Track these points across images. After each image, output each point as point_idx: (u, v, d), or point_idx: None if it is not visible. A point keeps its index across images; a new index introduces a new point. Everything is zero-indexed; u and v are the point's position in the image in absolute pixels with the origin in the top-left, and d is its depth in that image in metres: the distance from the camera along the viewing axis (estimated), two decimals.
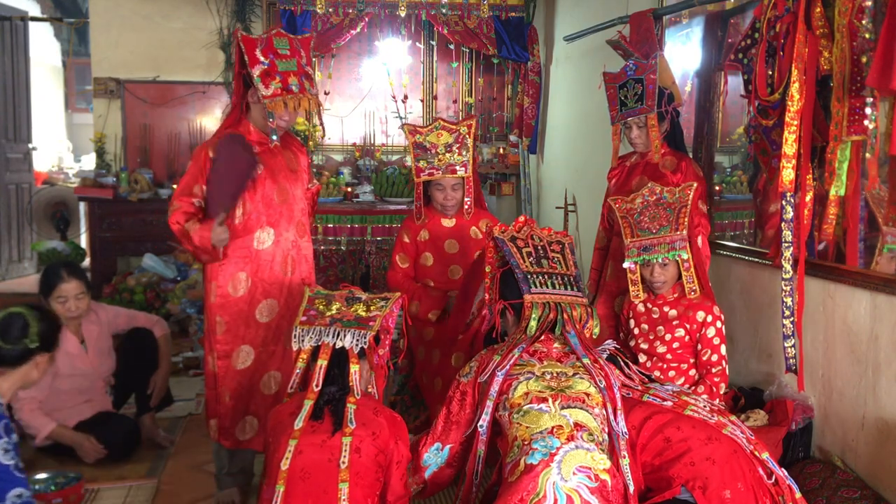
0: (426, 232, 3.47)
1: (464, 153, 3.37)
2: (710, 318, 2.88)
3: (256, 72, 2.85)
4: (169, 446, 3.70)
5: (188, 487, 3.27)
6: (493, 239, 2.59)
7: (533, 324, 2.42)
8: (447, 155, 3.36)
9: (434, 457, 2.42)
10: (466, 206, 3.44)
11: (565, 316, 2.44)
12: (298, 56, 2.95)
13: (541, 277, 2.49)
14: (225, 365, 2.95)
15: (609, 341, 2.66)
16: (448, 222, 3.48)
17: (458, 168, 3.36)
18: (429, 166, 3.37)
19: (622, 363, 2.55)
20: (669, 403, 2.42)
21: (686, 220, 2.89)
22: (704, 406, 2.45)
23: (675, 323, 2.92)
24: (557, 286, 2.49)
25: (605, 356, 2.51)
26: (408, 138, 3.45)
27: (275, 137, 2.93)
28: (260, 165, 2.93)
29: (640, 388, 2.50)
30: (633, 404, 2.42)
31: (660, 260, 2.90)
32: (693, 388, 2.89)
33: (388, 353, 2.57)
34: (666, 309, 2.95)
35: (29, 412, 3.35)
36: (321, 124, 3.25)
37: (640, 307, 3.04)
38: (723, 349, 2.89)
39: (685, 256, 2.87)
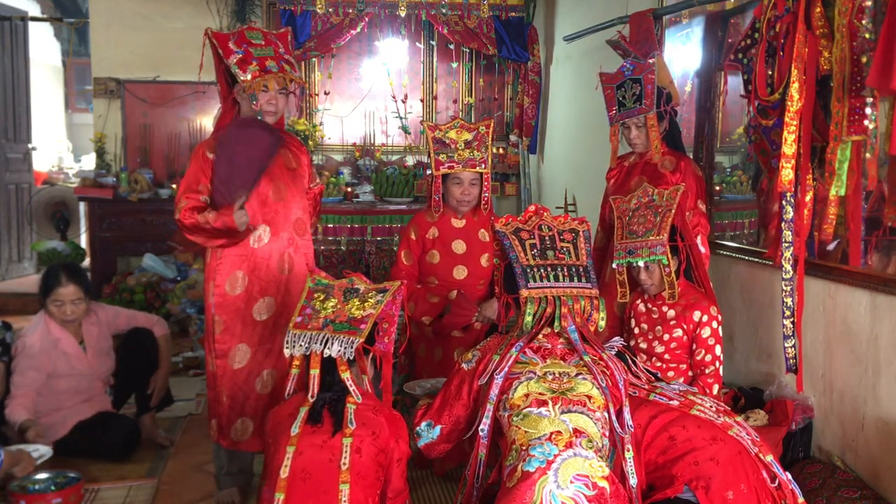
0: (436, 230, 3.49)
1: (483, 150, 3.42)
2: (705, 318, 2.87)
3: (233, 60, 2.85)
4: (169, 446, 3.70)
5: (188, 487, 3.27)
6: (496, 233, 2.57)
7: (528, 319, 2.40)
8: (466, 151, 3.40)
9: (426, 431, 2.43)
10: (483, 202, 3.47)
11: (564, 310, 2.40)
12: (275, 45, 2.95)
13: (542, 270, 2.44)
14: (223, 364, 2.96)
15: (616, 338, 2.64)
16: (458, 222, 3.49)
17: (477, 164, 3.40)
18: (448, 160, 3.41)
19: (630, 360, 2.53)
20: (676, 403, 2.41)
21: (668, 224, 2.87)
22: (711, 406, 2.44)
23: (672, 323, 2.92)
24: (562, 278, 2.44)
25: (612, 353, 2.49)
26: (427, 134, 3.48)
27: (259, 118, 2.91)
28: (281, 141, 2.90)
29: (646, 386, 2.48)
30: (639, 403, 2.41)
31: (641, 263, 2.90)
32: None
33: (392, 342, 2.55)
34: (665, 309, 2.95)
35: (15, 407, 3.32)
36: (305, 98, 3.25)
37: (641, 307, 3.04)
38: (717, 350, 2.88)
39: (665, 262, 2.86)
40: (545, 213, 2.57)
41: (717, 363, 2.88)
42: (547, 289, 2.42)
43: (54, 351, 3.48)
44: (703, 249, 3.22)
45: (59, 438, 3.41)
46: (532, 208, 2.60)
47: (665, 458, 2.32)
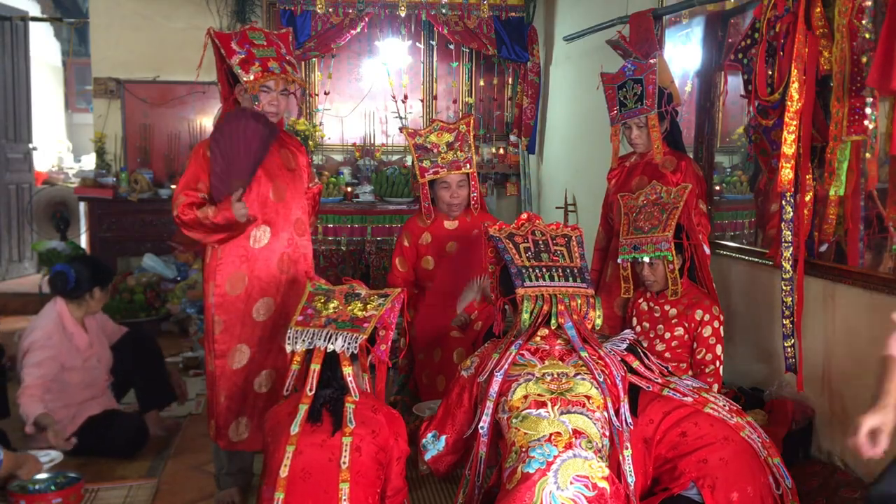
0: (428, 234, 3.48)
1: (466, 150, 3.39)
2: (707, 318, 2.88)
3: (235, 61, 2.86)
4: (170, 435, 3.79)
5: (188, 487, 3.27)
6: (490, 238, 2.59)
7: (525, 316, 2.40)
8: (450, 153, 3.37)
9: (431, 444, 2.43)
10: (473, 202, 3.45)
11: (560, 307, 2.40)
12: (276, 46, 2.96)
13: (537, 271, 2.45)
14: (222, 364, 2.96)
15: (627, 331, 2.65)
16: (450, 224, 3.48)
17: (462, 165, 3.37)
18: (433, 165, 3.38)
19: (642, 354, 2.53)
20: (690, 399, 2.41)
21: (675, 221, 2.88)
22: (724, 405, 2.44)
23: (674, 322, 2.93)
24: (557, 278, 2.46)
25: (624, 346, 2.50)
26: (408, 141, 3.45)
27: None
28: (275, 132, 2.90)
29: (660, 380, 2.48)
30: (652, 398, 2.41)
31: (646, 259, 2.91)
32: None
33: (389, 349, 2.57)
34: (667, 307, 2.96)
35: (28, 397, 3.31)
36: (305, 99, 3.26)
37: (643, 305, 3.05)
38: (718, 349, 2.88)
39: (670, 258, 2.87)
40: (537, 221, 2.61)
41: (718, 363, 2.88)
42: (543, 287, 2.43)
43: (68, 344, 3.53)
44: (707, 250, 3.22)
45: (69, 436, 3.41)
46: (524, 216, 2.63)
47: (675, 454, 2.33)
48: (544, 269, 2.46)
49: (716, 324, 2.89)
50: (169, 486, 3.28)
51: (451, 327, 3.52)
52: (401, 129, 3.68)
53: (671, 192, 2.97)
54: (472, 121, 3.47)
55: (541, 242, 2.52)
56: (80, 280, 3.54)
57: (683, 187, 2.96)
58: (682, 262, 2.93)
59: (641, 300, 3.07)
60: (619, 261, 3.01)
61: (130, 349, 3.78)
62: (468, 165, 3.39)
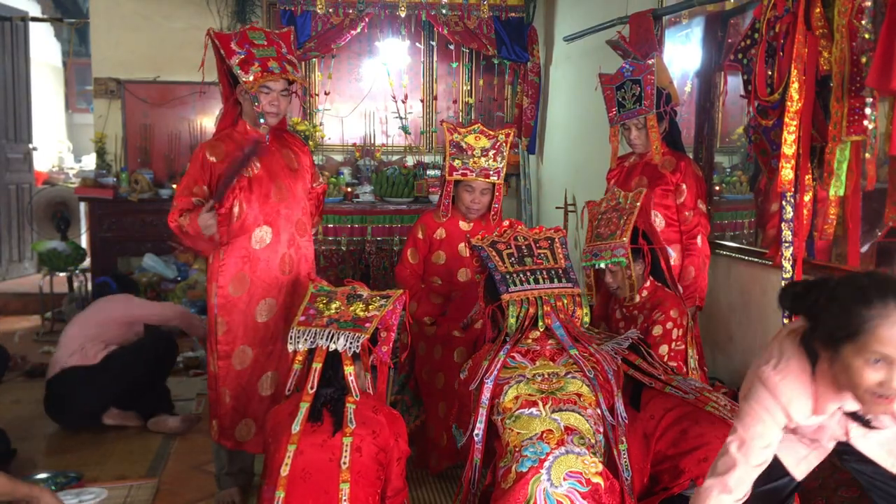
0: (443, 230, 3.50)
1: (499, 160, 3.39)
2: (661, 317, 2.86)
3: (235, 61, 2.85)
4: (186, 428, 3.89)
5: (188, 487, 3.27)
6: (473, 248, 2.61)
7: (512, 321, 2.43)
8: (482, 159, 3.37)
9: (457, 434, 2.47)
10: (493, 213, 3.45)
11: (546, 308, 2.43)
12: (277, 45, 2.95)
13: (521, 275, 2.49)
14: (225, 365, 2.96)
15: (632, 331, 2.67)
16: (465, 225, 3.49)
17: (491, 174, 3.38)
18: (463, 166, 3.39)
19: (645, 352, 2.55)
20: (691, 397, 2.43)
21: (630, 226, 2.88)
22: (726, 405, 2.45)
23: (642, 327, 2.93)
24: (542, 280, 2.50)
25: (626, 344, 2.52)
26: (445, 135, 3.46)
27: (262, 120, 2.91)
28: (256, 162, 2.91)
29: (663, 377, 2.50)
30: (654, 394, 2.43)
31: (603, 266, 2.91)
32: None
33: (390, 350, 2.58)
34: (635, 313, 2.97)
35: (182, 310, 4.41)
36: (306, 99, 3.26)
37: (618, 313, 3.06)
38: (662, 349, 2.83)
39: (624, 264, 2.87)
40: (519, 227, 2.64)
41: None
42: (528, 291, 2.47)
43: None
44: (696, 258, 3.23)
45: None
46: (506, 223, 2.67)
47: (675, 451, 2.34)
48: (528, 273, 2.50)
49: (668, 325, 2.86)
50: (169, 486, 3.29)
51: (452, 325, 3.53)
52: (441, 122, 3.72)
53: (628, 196, 2.97)
54: (512, 133, 3.50)
55: (524, 247, 2.57)
56: (116, 288, 4.37)
57: (638, 191, 2.96)
58: (643, 266, 2.94)
59: (616, 308, 3.08)
60: (582, 266, 3.02)
61: (164, 351, 4.15)
62: (497, 176, 3.41)
